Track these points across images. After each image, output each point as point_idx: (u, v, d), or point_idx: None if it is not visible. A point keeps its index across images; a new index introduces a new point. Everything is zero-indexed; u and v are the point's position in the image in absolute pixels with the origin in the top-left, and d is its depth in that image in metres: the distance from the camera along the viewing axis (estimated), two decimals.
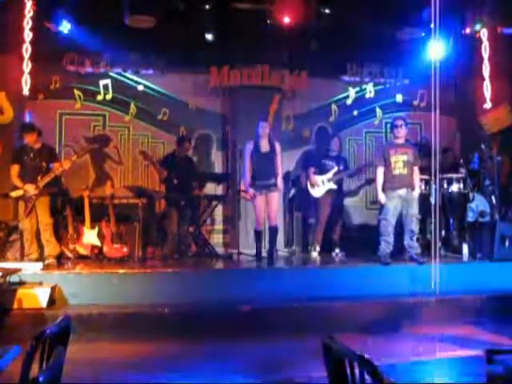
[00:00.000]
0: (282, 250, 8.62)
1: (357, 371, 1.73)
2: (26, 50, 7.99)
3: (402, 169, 6.89)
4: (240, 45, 8.58)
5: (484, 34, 8.73)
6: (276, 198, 7.16)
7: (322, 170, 8.23)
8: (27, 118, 8.34)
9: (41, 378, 1.37)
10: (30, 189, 6.62)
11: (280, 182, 7.26)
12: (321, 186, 8.16)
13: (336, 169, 8.24)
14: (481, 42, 8.76)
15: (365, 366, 1.64)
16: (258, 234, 7.29)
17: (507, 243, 7.13)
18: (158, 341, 5.46)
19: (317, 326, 5.66)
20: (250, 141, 7.25)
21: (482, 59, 8.84)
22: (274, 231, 7.24)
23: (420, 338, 5.65)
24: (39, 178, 6.66)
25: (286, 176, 9.23)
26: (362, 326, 5.89)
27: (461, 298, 6.51)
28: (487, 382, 2.25)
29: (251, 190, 7.06)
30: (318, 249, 8.25)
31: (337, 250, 8.25)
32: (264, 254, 7.54)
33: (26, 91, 8.11)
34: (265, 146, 7.12)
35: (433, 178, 7.03)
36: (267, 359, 4.97)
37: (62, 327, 1.93)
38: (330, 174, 8.18)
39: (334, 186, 8.20)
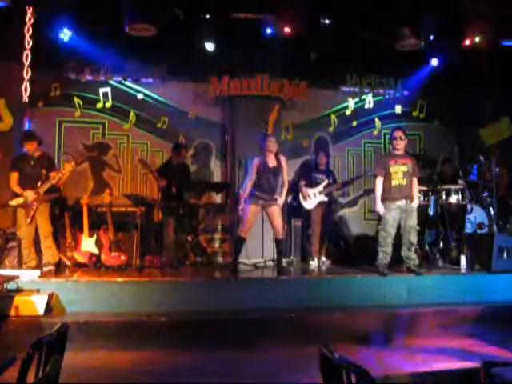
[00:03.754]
0: None
1: (354, 382, 1.73)
2: (26, 57, 8.04)
3: (401, 179, 6.88)
4: (240, 54, 8.62)
5: (483, 45, 8.77)
6: (277, 211, 7.02)
7: (313, 183, 8.41)
8: (27, 126, 8.36)
9: None
10: (30, 195, 6.60)
11: (283, 196, 7.17)
12: (312, 198, 8.33)
13: (326, 181, 8.44)
14: (480, 53, 8.79)
15: (362, 376, 1.64)
16: (240, 241, 7.05)
17: (505, 255, 7.11)
18: (154, 349, 5.43)
19: (314, 335, 5.65)
20: (257, 156, 7.07)
21: (480, 71, 8.88)
22: (279, 244, 7.18)
23: (417, 350, 5.62)
24: (39, 184, 6.64)
25: None
26: (359, 336, 5.88)
27: (458, 310, 6.49)
28: None
29: (242, 205, 6.96)
30: (315, 259, 8.29)
31: (323, 258, 8.49)
32: (243, 260, 7.60)
33: (25, 98, 8.14)
34: (272, 161, 7.01)
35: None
36: (265, 369, 4.96)
37: (59, 335, 1.92)
38: (320, 187, 8.36)
39: (325, 199, 8.40)
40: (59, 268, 6.95)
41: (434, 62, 9.42)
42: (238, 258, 7.21)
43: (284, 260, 8.68)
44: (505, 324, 6.21)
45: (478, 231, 7.88)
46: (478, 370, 2.17)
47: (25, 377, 1.72)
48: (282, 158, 7.09)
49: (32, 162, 6.78)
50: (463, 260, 7.47)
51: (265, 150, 6.98)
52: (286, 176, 7.13)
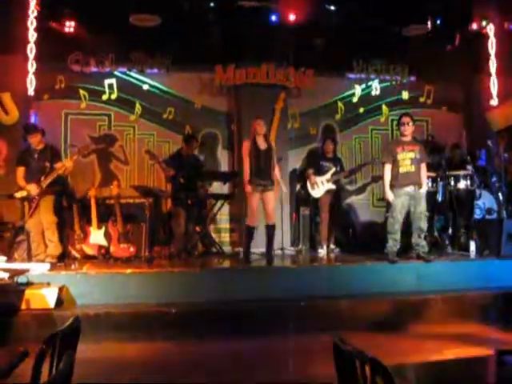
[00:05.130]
0: (288, 248, 8.61)
1: (367, 373, 1.71)
2: (31, 50, 8.03)
3: (409, 166, 6.84)
4: (245, 43, 8.57)
5: (491, 29, 8.70)
6: (272, 197, 7.09)
7: (321, 171, 8.38)
8: (32, 119, 8.35)
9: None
10: (32, 189, 6.61)
11: (282, 182, 7.20)
12: (320, 186, 8.31)
13: (334, 169, 8.41)
14: (487, 37, 8.72)
15: (376, 368, 1.63)
16: (251, 230, 7.12)
17: None
18: (165, 340, 5.45)
19: (324, 323, 5.65)
20: (247, 138, 7.19)
21: (488, 55, 8.80)
22: (272, 230, 7.17)
23: (427, 336, 5.62)
24: (42, 178, 6.65)
25: (293, 173, 9.25)
26: (369, 323, 5.87)
27: (467, 296, 6.48)
28: (497, 383, 2.22)
29: (249, 187, 7.00)
30: (324, 247, 8.30)
31: (332, 246, 8.50)
32: (254, 250, 7.55)
33: (30, 91, 8.14)
34: (262, 144, 7.06)
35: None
36: (276, 357, 4.97)
37: (72, 329, 1.93)
38: (328, 175, 8.33)
39: (333, 187, 8.38)
40: (63, 260, 6.94)
41: (440, 46, 9.34)
42: (250, 248, 7.21)
43: (292, 248, 8.74)
44: None
45: (487, 217, 7.84)
46: (490, 358, 2.15)
47: (39, 372, 1.71)
48: (272, 143, 7.18)
49: (36, 156, 6.80)
50: (472, 246, 7.45)
51: (253, 133, 7.05)
52: (276, 161, 7.17)
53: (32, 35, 7.98)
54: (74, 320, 1.98)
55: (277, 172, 7.16)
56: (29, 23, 7.97)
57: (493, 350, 2.39)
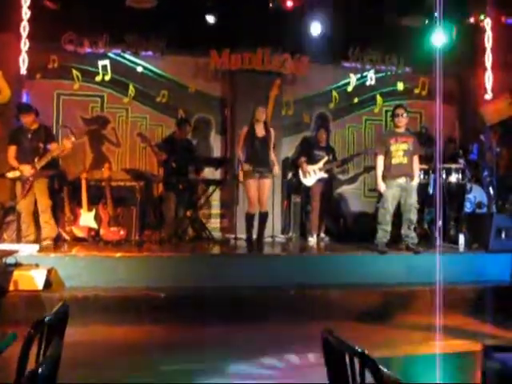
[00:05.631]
0: (279, 236, 8.62)
1: (357, 367, 1.72)
2: (24, 28, 7.91)
3: (401, 158, 6.86)
4: (241, 28, 8.50)
5: (488, 23, 8.68)
6: (268, 184, 7.12)
7: (313, 160, 8.40)
8: (24, 98, 8.26)
9: (40, 370, 1.35)
10: (26, 169, 6.54)
11: (277, 169, 7.23)
12: (312, 175, 8.33)
13: (326, 158, 8.44)
14: (484, 31, 8.70)
15: (365, 362, 1.63)
16: (251, 217, 7.17)
17: (503, 235, 7.13)
18: (153, 324, 5.47)
19: (312, 313, 5.69)
20: (246, 124, 7.19)
21: (484, 49, 8.79)
22: (264, 217, 7.19)
23: (414, 328, 5.67)
24: (36, 159, 6.58)
25: (285, 161, 9.23)
26: (357, 314, 5.91)
27: (455, 288, 6.52)
28: (484, 379, 2.23)
29: (246, 166, 6.99)
30: (314, 235, 8.32)
31: (322, 235, 8.56)
32: (240, 236, 7.59)
33: (23, 70, 8.04)
34: (261, 131, 7.06)
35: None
36: (264, 345, 4.99)
37: (60, 314, 1.91)
38: (320, 164, 8.35)
39: (325, 175, 8.42)
40: (58, 242, 6.94)
41: (437, 38, 9.31)
42: (252, 235, 7.21)
43: (283, 236, 8.75)
44: (501, 303, 6.24)
45: (477, 211, 7.88)
46: (478, 354, 2.15)
47: (26, 357, 1.71)
48: (272, 130, 7.17)
49: (29, 135, 6.70)
50: (461, 239, 7.49)
51: (253, 119, 7.05)
52: (273, 149, 7.20)
53: (25, 13, 7.86)
54: (62, 305, 1.96)
55: (273, 157, 7.19)
56: (22, 1, 7.85)
57: (479, 344, 2.39)
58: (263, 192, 7.04)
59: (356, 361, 1.71)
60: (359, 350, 1.65)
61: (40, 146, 6.66)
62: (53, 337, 1.79)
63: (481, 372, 2.14)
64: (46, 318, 1.78)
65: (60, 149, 6.69)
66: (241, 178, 7.17)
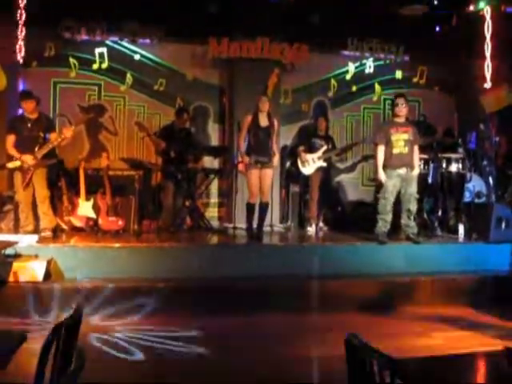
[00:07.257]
0: (277, 225, 8.60)
1: (375, 368, 1.71)
2: (21, 15, 7.80)
3: (402, 147, 6.84)
4: (240, 16, 8.42)
5: (487, 11, 8.62)
6: (270, 175, 7.13)
7: (312, 149, 8.36)
8: (21, 86, 8.16)
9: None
10: (28, 159, 6.45)
11: (276, 159, 7.25)
12: (311, 163, 8.30)
13: (325, 147, 8.40)
14: (484, 19, 8.65)
15: (387, 365, 1.62)
16: (251, 207, 7.16)
17: (503, 225, 7.13)
18: (151, 315, 5.46)
19: (313, 303, 5.69)
20: (249, 114, 7.17)
21: (483, 38, 8.74)
22: (265, 207, 7.19)
23: (416, 318, 5.69)
24: (37, 148, 6.50)
25: (283, 150, 9.19)
26: (357, 304, 5.93)
27: (455, 278, 6.55)
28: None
29: (247, 158, 6.99)
30: (313, 225, 8.30)
31: (321, 224, 8.54)
32: (239, 225, 7.57)
33: (19, 58, 7.93)
34: (264, 121, 7.06)
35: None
36: (265, 335, 5.00)
37: (76, 317, 1.89)
38: (319, 153, 8.32)
39: (324, 164, 8.38)
40: (56, 233, 6.88)
41: (437, 26, 9.28)
42: (252, 225, 7.20)
43: (281, 226, 8.74)
44: (501, 293, 6.28)
45: (476, 200, 7.87)
46: (500, 355, 2.14)
47: (45, 360, 1.69)
48: (275, 121, 7.16)
49: (29, 124, 6.61)
50: (461, 229, 7.51)
51: (256, 109, 7.05)
52: (276, 139, 7.23)
53: (22, 0, 7.75)
54: (77, 307, 1.94)
55: (275, 147, 7.19)
56: None
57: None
58: (265, 182, 7.04)
59: (376, 363, 1.70)
60: (384, 353, 1.64)
61: (40, 136, 6.57)
62: (70, 340, 1.77)
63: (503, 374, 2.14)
64: (64, 322, 1.76)
65: (60, 138, 6.62)
66: (240, 167, 7.15)
